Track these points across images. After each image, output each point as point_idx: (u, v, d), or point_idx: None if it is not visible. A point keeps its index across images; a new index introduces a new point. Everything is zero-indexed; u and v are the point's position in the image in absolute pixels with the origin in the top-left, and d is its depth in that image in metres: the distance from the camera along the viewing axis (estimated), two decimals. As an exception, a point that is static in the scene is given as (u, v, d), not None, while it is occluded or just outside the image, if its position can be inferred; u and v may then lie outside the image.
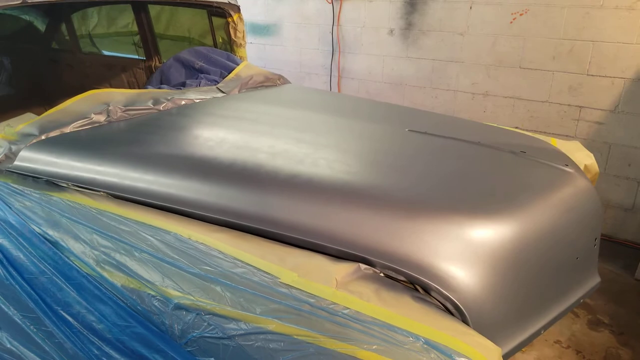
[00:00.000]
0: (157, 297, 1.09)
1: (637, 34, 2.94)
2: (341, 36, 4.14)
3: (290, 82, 2.75)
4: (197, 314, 1.04)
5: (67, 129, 1.77)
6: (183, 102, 2.10)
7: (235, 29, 2.93)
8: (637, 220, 3.24)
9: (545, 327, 1.31)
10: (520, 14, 3.25)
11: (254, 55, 4.68)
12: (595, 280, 1.55)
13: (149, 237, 1.23)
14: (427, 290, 1.14)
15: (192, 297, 1.07)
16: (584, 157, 1.85)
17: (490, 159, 1.56)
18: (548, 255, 1.33)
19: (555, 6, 3.12)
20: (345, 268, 1.14)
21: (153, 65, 3.22)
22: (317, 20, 4.23)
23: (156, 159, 1.55)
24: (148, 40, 3.18)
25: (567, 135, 3.29)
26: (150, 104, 2.00)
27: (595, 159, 1.92)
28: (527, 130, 3.28)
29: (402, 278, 1.15)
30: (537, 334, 1.29)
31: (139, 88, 2.84)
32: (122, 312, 1.11)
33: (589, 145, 3.19)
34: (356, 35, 4.05)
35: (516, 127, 3.25)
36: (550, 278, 1.36)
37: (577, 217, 1.43)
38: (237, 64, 2.62)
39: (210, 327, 1.02)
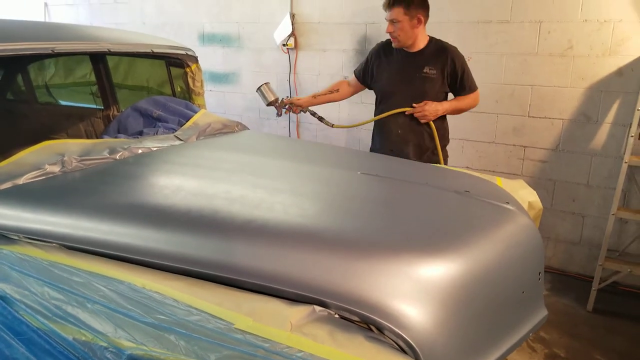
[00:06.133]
0: (110, 349, 1.08)
1: (570, 78, 3.19)
2: (298, 83, 4.28)
3: (248, 129, 2.81)
4: (151, 365, 1.03)
5: (20, 181, 1.75)
6: (140, 151, 2.11)
7: (193, 79, 2.99)
8: (584, 254, 3.40)
9: (497, 360, 1.36)
10: (465, 62, 3.47)
11: (214, 102, 4.76)
12: (542, 313, 1.61)
13: (102, 288, 1.22)
14: (380, 329, 1.16)
15: (145, 347, 1.06)
16: (527, 195, 1.96)
17: (436, 198, 1.64)
18: (495, 290, 1.39)
19: (495, 54, 3.36)
20: (300, 311, 1.16)
21: (111, 115, 3.22)
22: (275, 68, 4.37)
23: (112, 209, 1.55)
24: (106, 90, 3.19)
25: (514, 174, 3.47)
26: (106, 153, 2.00)
27: (542, 196, 2.03)
28: (476, 169, 3.44)
29: (356, 318, 1.18)
30: (489, 368, 1.33)
31: (97, 138, 2.83)
32: (73, 366, 1.08)
33: (535, 182, 3.36)
34: (312, 83, 4.21)
35: (466, 167, 3.40)
36: (498, 312, 1.42)
37: (520, 252, 1.51)
38: (196, 112, 2.66)
39: (164, 377, 1.01)
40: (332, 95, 2.96)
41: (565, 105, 3.25)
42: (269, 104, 2.91)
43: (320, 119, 2.93)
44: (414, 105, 2.59)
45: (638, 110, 2.83)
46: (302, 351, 1.03)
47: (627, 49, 2.99)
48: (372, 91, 2.87)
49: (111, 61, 3.19)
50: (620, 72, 3.04)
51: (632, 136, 2.84)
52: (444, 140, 2.79)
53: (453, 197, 1.64)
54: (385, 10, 2.60)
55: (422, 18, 2.57)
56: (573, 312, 3.00)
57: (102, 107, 3.26)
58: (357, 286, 1.22)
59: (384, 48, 2.75)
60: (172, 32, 4.77)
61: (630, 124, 2.91)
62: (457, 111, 2.74)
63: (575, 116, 3.23)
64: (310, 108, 2.93)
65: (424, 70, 2.61)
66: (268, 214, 1.47)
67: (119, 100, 3.27)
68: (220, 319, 1.11)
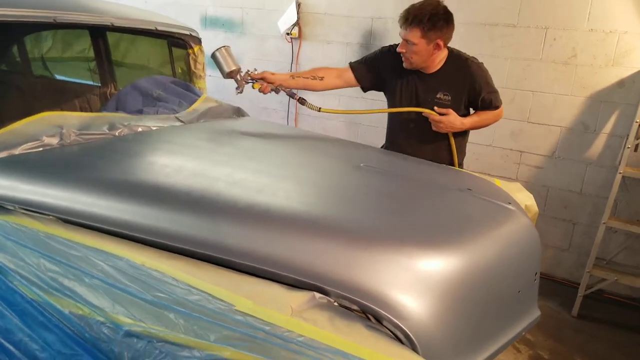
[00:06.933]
0: (107, 324, 1.06)
1: (572, 87, 3.20)
2: (299, 74, 4.25)
3: (249, 115, 2.79)
4: (149, 342, 1.02)
5: (16, 151, 1.71)
6: (140, 129, 2.08)
7: (195, 61, 2.96)
8: (573, 260, 3.43)
9: (491, 357, 1.36)
10: (468, 63, 3.47)
11: (213, 88, 4.68)
12: (535, 314, 1.63)
13: (100, 263, 1.20)
14: (379, 319, 1.16)
15: (143, 324, 1.05)
16: (524, 198, 1.97)
17: (439, 194, 1.64)
18: (492, 286, 1.40)
19: (499, 57, 3.36)
20: (300, 297, 1.15)
21: (108, 93, 3.17)
22: (277, 57, 4.34)
23: (111, 184, 1.52)
24: (105, 67, 3.14)
25: (509, 178, 3.49)
26: (105, 129, 1.97)
27: (535, 201, 2.04)
28: (471, 171, 3.45)
29: (355, 307, 1.18)
30: (482, 364, 1.34)
31: (93, 113, 2.78)
32: (67, 339, 1.07)
33: (529, 187, 3.37)
34: (314, 74, 4.17)
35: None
36: (494, 309, 1.42)
37: (518, 252, 1.52)
38: (197, 95, 2.64)
39: (162, 355, 1.00)
40: (314, 81, 2.50)
41: (564, 113, 3.26)
42: (228, 74, 2.41)
43: (302, 101, 2.47)
44: (435, 108, 2.32)
45: (636, 122, 2.85)
46: (302, 336, 1.03)
47: (630, 61, 3.01)
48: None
49: (111, 38, 3.14)
50: (621, 84, 3.06)
51: (628, 147, 2.87)
52: (460, 157, 2.55)
53: (455, 194, 1.64)
54: (400, 27, 2.24)
55: (442, 43, 2.23)
56: (558, 317, 3.03)
57: (100, 84, 3.21)
58: (357, 275, 1.22)
59: (398, 56, 2.35)
60: (174, 13, 4.69)
61: (628, 135, 2.93)
62: (477, 128, 2.48)
63: (574, 125, 3.25)
64: (285, 88, 2.44)
65: (437, 96, 2.33)
66: (270, 199, 1.46)
67: (117, 78, 3.22)
68: (221, 300, 1.10)
